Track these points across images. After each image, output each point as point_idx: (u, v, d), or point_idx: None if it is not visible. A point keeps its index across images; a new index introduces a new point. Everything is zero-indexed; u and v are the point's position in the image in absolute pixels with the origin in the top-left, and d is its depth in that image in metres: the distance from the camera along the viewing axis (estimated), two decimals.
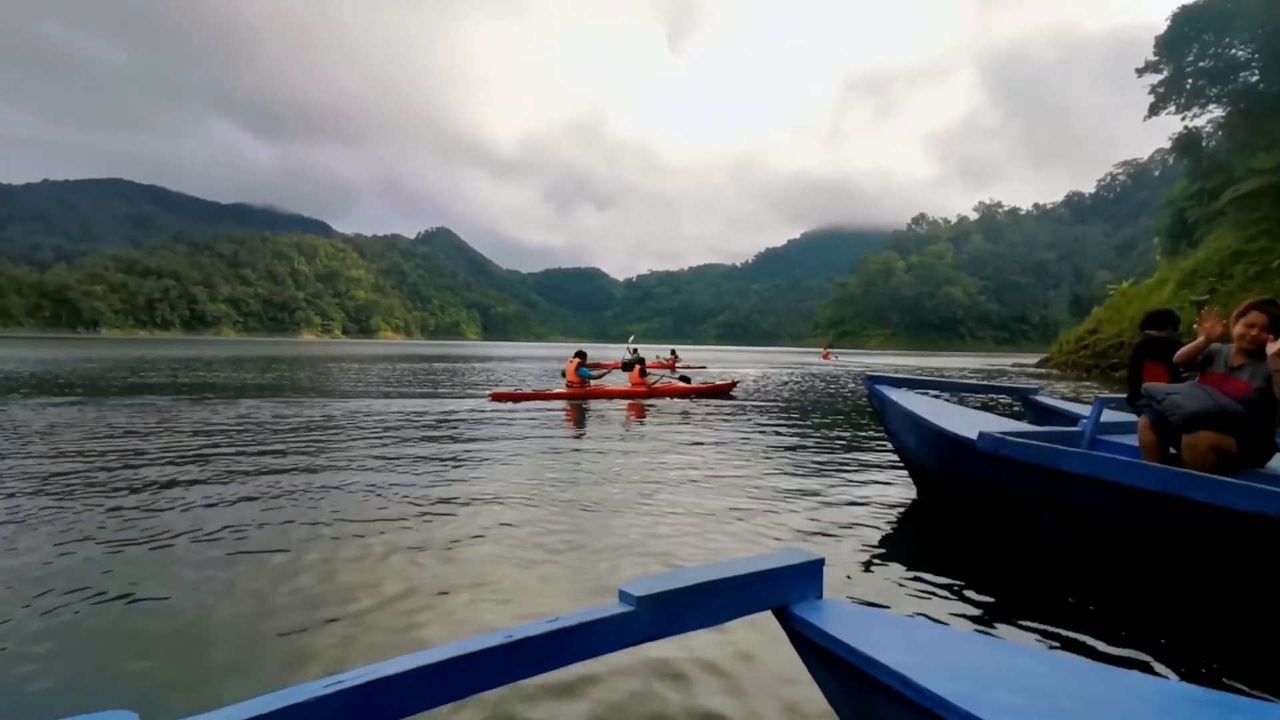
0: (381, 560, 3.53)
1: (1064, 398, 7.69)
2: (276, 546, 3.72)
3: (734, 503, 4.93)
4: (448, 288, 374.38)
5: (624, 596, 1.24)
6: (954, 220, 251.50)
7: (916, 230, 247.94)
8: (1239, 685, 2.41)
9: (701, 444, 7.74)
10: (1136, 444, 3.89)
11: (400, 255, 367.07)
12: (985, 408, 10.14)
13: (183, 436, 7.48)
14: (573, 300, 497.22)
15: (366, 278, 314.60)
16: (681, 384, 15.20)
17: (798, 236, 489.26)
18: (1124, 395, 4.54)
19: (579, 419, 10.18)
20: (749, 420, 10.31)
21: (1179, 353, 3.92)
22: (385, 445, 7.20)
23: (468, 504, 4.73)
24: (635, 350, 25.35)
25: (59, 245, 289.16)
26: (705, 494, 5.19)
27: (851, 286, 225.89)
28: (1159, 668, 2.52)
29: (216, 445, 6.96)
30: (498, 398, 12.42)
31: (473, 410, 10.81)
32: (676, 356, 26.21)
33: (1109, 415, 4.68)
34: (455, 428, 8.72)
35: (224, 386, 14.82)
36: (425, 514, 4.44)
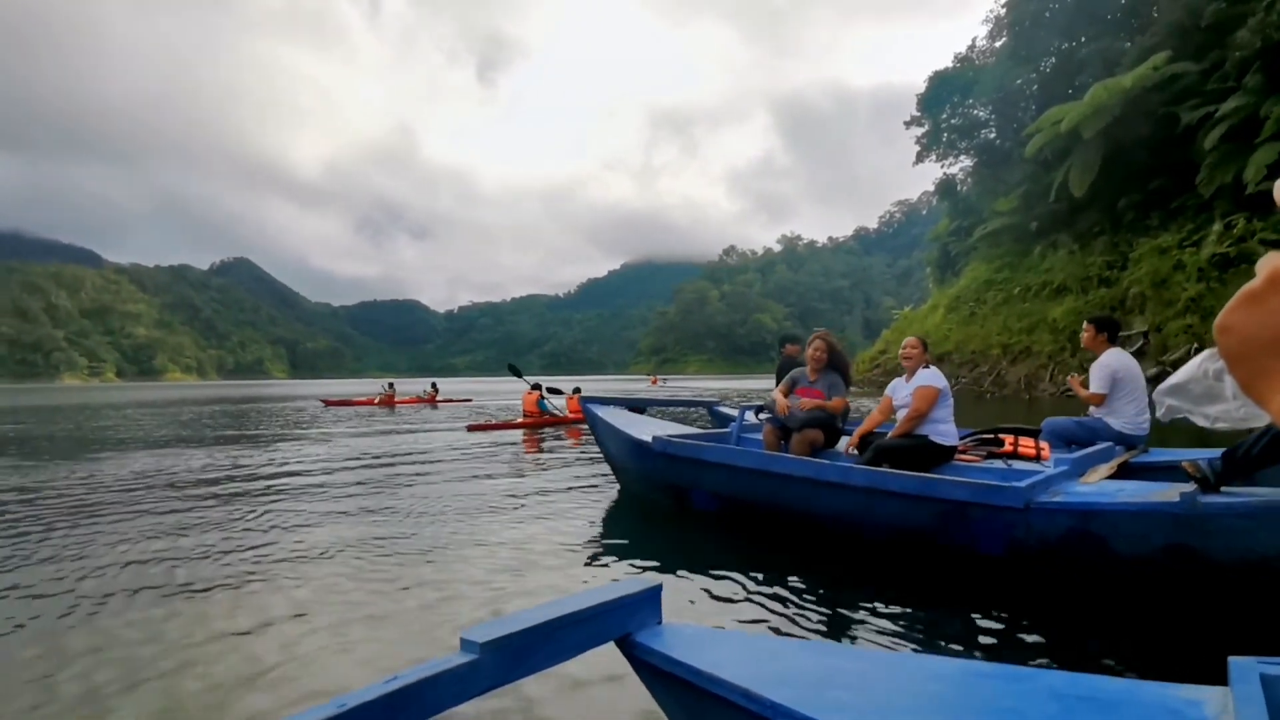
0: (185, 633, 3.08)
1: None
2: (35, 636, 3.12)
3: (568, 529, 4.70)
4: (249, 323, 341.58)
5: (466, 644, 1.16)
6: (760, 252, 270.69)
7: (727, 261, 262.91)
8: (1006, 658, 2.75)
9: (556, 471, 7.41)
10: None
11: (191, 288, 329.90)
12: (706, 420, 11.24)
13: None
14: (391, 333, 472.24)
15: (148, 313, 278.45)
16: None
17: (618, 267, 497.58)
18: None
19: (537, 446, 10.99)
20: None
21: (782, 385, 5.40)
22: (173, 503, 6.17)
23: (288, 561, 4.17)
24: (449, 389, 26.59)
25: None
26: (543, 524, 4.91)
27: (670, 315, 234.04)
28: (954, 647, 2.85)
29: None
30: (473, 429, 13.70)
31: (282, 456, 9.62)
32: (436, 390, 26.50)
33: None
34: (271, 478, 7.67)
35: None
36: (238, 576, 3.83)
